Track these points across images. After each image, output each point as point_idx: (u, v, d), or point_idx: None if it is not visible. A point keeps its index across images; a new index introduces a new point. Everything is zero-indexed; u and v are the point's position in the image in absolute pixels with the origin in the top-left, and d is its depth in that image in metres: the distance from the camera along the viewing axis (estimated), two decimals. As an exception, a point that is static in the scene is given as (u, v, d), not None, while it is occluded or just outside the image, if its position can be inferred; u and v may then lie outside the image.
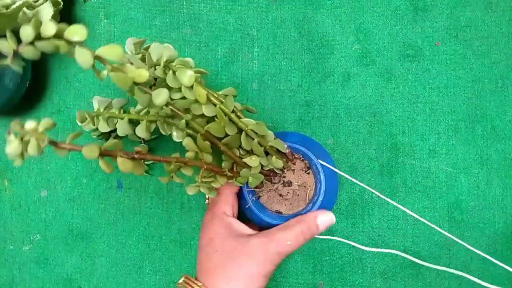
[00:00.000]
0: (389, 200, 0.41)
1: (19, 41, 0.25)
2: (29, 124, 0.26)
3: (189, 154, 0.36)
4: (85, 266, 0.50)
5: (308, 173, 0.42)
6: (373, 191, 0.43)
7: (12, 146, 0.25)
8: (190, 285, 0.38)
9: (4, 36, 0.25)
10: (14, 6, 0.42)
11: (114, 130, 0.41)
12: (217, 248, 0.38)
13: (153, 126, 0.38)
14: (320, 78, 0.48)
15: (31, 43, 0.25)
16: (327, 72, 0.48)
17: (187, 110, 0.36)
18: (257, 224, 0.42)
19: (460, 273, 0.37)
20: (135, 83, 0.30)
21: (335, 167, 0.41)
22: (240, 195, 0.42)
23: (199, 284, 0.37)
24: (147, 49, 0.40)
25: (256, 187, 0.42)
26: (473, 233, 0.47)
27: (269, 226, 0.40)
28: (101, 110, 0.42)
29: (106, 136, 0.46)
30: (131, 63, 0.29)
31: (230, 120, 0.37)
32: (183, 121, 0.35)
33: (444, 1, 0.48)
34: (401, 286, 0.48)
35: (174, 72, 0.34)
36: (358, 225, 0.48)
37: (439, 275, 0.47)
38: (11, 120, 0.27)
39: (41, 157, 0.50)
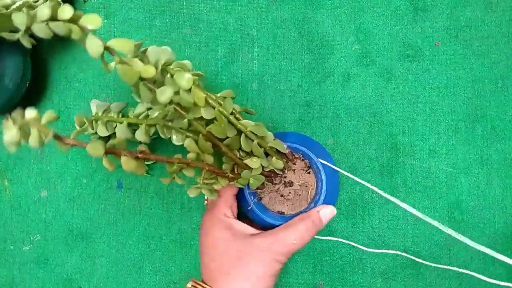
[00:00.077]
0: (390, 197, 0.41)
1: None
2: (30, 113, 0.25)
3: (191, 156, 0.36)
4: (85, 266, 0.49)
5: (309, 173, 0.42)
6: (374, 188, 0.42)
7: (10, 134, 0.24)
8: None
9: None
10: (14, 6, 0.41)
11: (113, 134, 0.41)
12: (221, 251, 0.38)
13: (152, 130, 0.37)
14: (320, 78, 0.48)
15: (46, 23, 0.24)
16: (327, 72, 0.48)
17: (187, 110, 0.36)
18: (259, 225, 0.42)
19: (462, 270, 0.37)
20: (141, 78, 0.29)
21: (335, 166, 0.41)
22: (241, 197, 0.42)
23: (208, 287, 0.37)
24: (144, 52, 0.40)
25: (257, 189, 0.42)
26: (473, 233, 0.47)
27: (272, 227, 0.40)
28: (100, 114, 0.41)
29: (105, 140, 0.46)
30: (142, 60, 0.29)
31: (229, 122, 0.37)
32: (186, 120, 0.35)
33: (444, 1, 0.48)
34: (402, 286, 0.48)
35: (172, 75, 0.34)
36: (358, 225, 0.48)
37: (440, 275, 0.47)
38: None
39: (41, 157, 0.50)
